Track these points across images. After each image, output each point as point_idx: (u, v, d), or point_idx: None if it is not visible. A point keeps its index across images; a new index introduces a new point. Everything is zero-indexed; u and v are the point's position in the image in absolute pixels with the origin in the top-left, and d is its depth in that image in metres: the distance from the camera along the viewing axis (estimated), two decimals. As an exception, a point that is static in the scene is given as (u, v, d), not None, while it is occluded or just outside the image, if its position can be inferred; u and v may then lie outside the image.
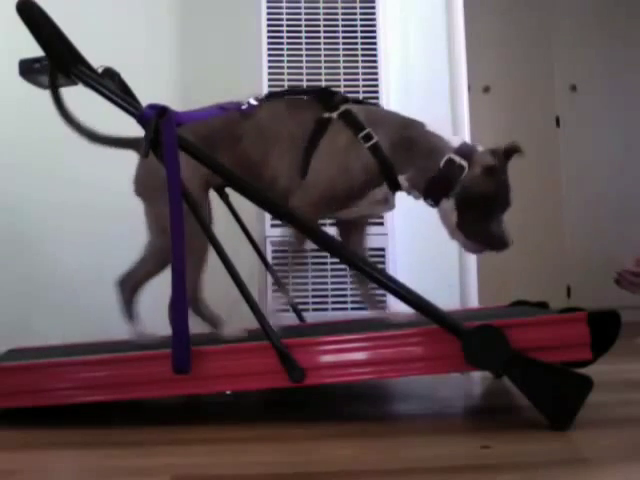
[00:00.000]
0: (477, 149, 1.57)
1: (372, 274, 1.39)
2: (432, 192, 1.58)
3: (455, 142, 1.58)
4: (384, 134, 1.58)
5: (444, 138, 1.59)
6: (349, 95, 1.74)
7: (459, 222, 1.55)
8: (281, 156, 1.62)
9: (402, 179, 1.59)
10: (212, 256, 1.51)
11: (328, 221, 1.79)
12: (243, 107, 1.63)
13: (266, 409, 1.69)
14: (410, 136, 1.59)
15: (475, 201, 1.54)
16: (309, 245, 1.56)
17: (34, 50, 1.46)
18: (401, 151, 1.58)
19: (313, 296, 2.27)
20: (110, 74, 1.65)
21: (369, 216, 1.75)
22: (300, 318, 2.07)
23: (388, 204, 1.66)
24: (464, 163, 1.54)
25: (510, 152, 1.54)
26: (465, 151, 1.56)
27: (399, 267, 2.29)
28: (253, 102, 1.64)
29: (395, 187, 1.61)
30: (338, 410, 1.63)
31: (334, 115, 1.61)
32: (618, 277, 2.87)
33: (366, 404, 1.69)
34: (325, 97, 1.66)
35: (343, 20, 2.39)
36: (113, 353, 1.51)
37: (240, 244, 1.90)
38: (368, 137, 1.57)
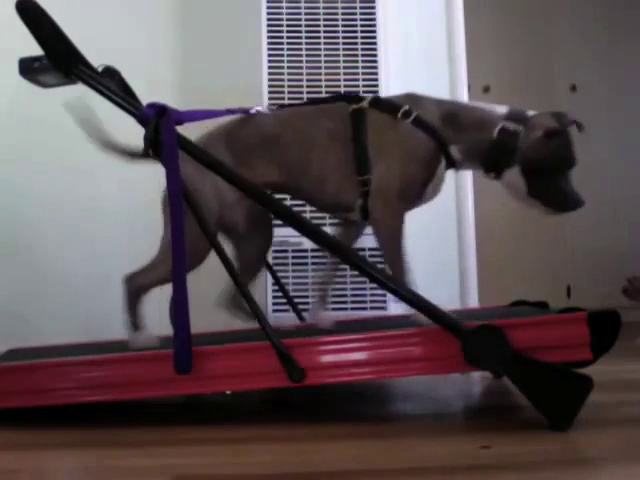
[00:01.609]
0: (527, 112, 1.54)
1: (372, 274, 1.38)
2: (493, 164, 1.54)
3: (501, 109, 1.55)
4: (426, 110, 1.56)
5: (488, 108, 1.56)
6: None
7: (530, 189, 1.52)
8: (324, 157, 1.59)
9: (454, 153, 1.56)
10: (212, 256, 1.51)
11: (328, 221, 1.79)
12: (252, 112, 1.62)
13: (266, 409, 1.69)
14: (452, 110, 1.57)
15: (542, 165, 1.50)
16: (309, 245, 1.56)
17: (34, 50, 1.46)
18: (447, 125, 1.55)
19: (313, 296, 2.27)
20: (110, 73, 1.65)
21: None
22: (300, 318, 2.07)
23: (441, 184, 1.62)
24: (519, 128, 1.51)
25: (574, 123, 1.52)
26: (516, 116, 1.53)
27: (399, 267, 2.29)
28: (260, 109, 1.64)
29: (451, 164, 1.58)
30: (338, 410, 1.63)
31: (364, 104, 1.59)
32: (628, 286, 2.83)
33: (366, 404, 1.69)
34: (345, 98, 1.65)
35: (343, 20, 2.39)
36: (113, 353, 1.51)
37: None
38: (407, 113, 1.55)
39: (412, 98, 1.61)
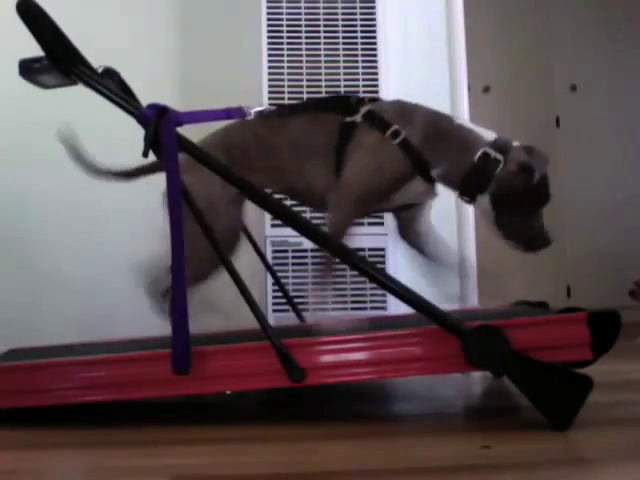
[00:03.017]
0: (512, 144, 1.54)
1: (372, 274, 1.38)
2: (467, 188, 1.55)
3: (488, 136, 1.55)
4: (414, 129, 1.56)
5: (476, 131, 1.56)
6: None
7: (496, 220, 1.53)
8: (315, 166, 1.62)
9: (436, 173, 1.57)
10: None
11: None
12: (248, 115, 1.63)
13: (266, 409, 1.69)
14: (441, 129, 1.57)
15: (511, 198, 1.50)
16: (309, 245, 1.56)
17: (34, 50, 1.46)
18: (433, 145, 1.56)
19: (313, 296, 2.27)
20: (110, 74, 1.65)
21: (415, 204, 1.70)
22: (300, 318, 2.07)
23: (429, 193, 1.63)
24: (500, 157, 1.50)
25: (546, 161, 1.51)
26: (500, 145, 1.53)
27: (399, 267, 2.29)
28: (257, 110, 1.64)
29: (430, 180, 1.59)
30: (338, 410, 1.63)
31: (357, 118, 1.60)
32: (636, 289, 2.81)
33: (366, 404, 1.69)
34: (342, 102, 1.66)
35: (343, 20, 2.39)
36: (113, 353, 1.51)
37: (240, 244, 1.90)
38: (396, 134, 1.56)
39: (404, 110, 1.61)
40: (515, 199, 1.50)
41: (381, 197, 1.60)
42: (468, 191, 1.55)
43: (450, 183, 1.58)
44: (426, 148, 1.56)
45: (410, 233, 1.73)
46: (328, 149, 1.61)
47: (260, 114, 1.62)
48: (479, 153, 1.52)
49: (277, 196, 1.67)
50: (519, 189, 1.49)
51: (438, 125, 1.58)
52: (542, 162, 1.50)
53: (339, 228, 1.59)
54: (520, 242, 1.54)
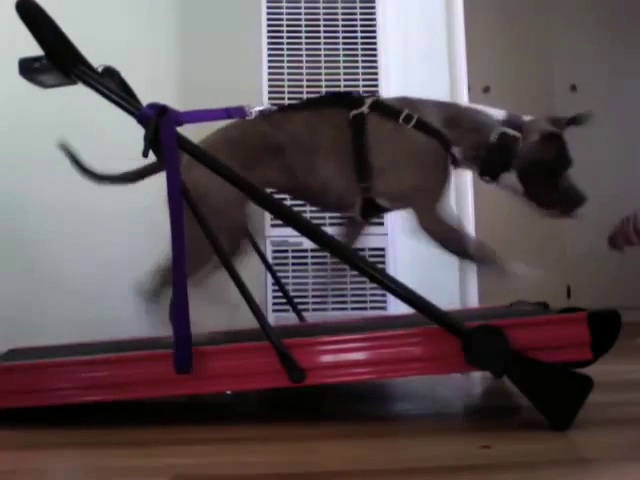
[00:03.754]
0: (524, 118, 1.56)
1: (372, 274, 1.38)
2: (490, 168, 1.56)
3: (498, 114, 1.56)
4: (424, 114, 1.56)
5: (486, 111, 1.57)
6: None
7: (528, 193, 1.54)
8: (327, 164, 1.60)
9: (457, 152, 1.57)
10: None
11: (328, 221, 1.79)
12: (248, 115, 1.61)
13: (266, 409, 1.69)
14: (451, 113, 1.58)
15: (538, 169, 1.52)
16: (309, 245, 1.56)
17: (34, 50, 1.46)
18: (448, 127, 1.56)
19: (313, 296, 2.27)
20: (110, 73, 1.65)
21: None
22: (300, 318, 2.07)
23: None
24: (517, 134, 1.52)
25: (571, 121, 1.53)
26: (514, 122, 1.55)
27: (399, 267, 2.29)
28: (259, 109, 1.64)
29: (454, 160, 1.59)
30: (338, 410, 1.63)
31: (365, 110, 1.59)
32: (613, 235, 2.71)
33: (366, 404, 1.69)
34: (344, 97, 1.65)
35: (343, 20, 2.39)
36: (113, 353, 1.51)
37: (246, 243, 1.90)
38: (409, 117, 1.55)
39: (408, 102, 1.61)
40: (543, 168, 1.52)
41: (443, 187, 1.58)
42: (490, 171, 1.56)
43: (468, 164, 1.59)
44: (444, 130, 1.56)
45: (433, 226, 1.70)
46: (340, 145, 1.59)
47: (261, 113, 1.62)
48: (497, 133, 1.53)
49: (277, 196, 1.67)
50: (546, 157, 1.52)
51: (447, 109, 1.59)
52: (562, 125, 1.54)
53: (441, 234, 1.57)
54: (558, 207, 1.57)
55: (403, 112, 1.55)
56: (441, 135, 1.55)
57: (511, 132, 1.53)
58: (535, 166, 1.52)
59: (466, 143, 1.56)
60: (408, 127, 1.54)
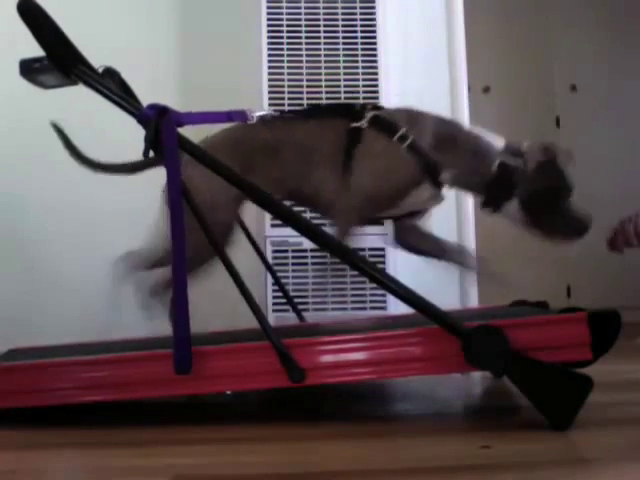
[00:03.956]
0: (524, 145, 1.56)
1: (372, 274, 1.38)
2: (492, 199, 1.57)
3: (498, 142, 1.57)
4: (422, 133, 1.57)
5: (485, 138, 1.58)
6: (356, 99, 1.75)
7: (532, 222, 1.56)
8: (321, 172, 1.62)
9: (446, 177, 1.58)
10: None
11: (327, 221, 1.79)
12: (250, 120, 1.62)
13: (266, 409, 1.69)
14: (450, 134, 1.58)
15: (539, 198, 1.53)
16: (309, 245, 1.56)
17: (34, 50, 1.46)
18: (443, 149, 1.56)
19: (313, 296, 2.27)
20: (110, 74, 1.65)
21: (419, 211, 1.71)
22: (300, 318, 2.07)
23: (436, 198, 1.64)
24: (517, 163, 1.53)
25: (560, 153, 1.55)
26: (513, 150, 1.55)
27: (399, 267, 2.29)
28: (260, 114, 1.64)
29: (438, 185, 1.59)
30: (338, 410, 1.63)
31: (364, 123, 1.60)
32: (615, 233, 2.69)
33: (366, 404, 1.69)
34: (346, 108, 1.66)
35: (343, 20, 2.39)
36: (113, 353, 1.51)
37: (240, 244, 1.90)
38: (404, 137, 1.56)
39: (412, 116, 1.62)
40: (546, 196, 1.53)
41: (389, 203, 1.60)
42: (493, 202, 1.58)
43: (462, 186, 1.60)
44: (435, 152, 1.56)
45: (410, 238, 1.73)
46: (335, 154, 1.61)
47: (262, 119, 1.62)
48: (497, 163, 1.54)
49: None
50: (546, 186, 1.52)
51: (447, 130, 1.59)
52: (552, 154, 1.54)
53: (342, 232, 1.59)
54: (563, 234, 1.58)
55: (400, 130, 1.56)
56: (430, 162, 1.56)
57: (512, 162, 1.54)
58: (536, 195, 1.53)
59: (462, 167, 1.56)
60: (402, 147, 1.55)
